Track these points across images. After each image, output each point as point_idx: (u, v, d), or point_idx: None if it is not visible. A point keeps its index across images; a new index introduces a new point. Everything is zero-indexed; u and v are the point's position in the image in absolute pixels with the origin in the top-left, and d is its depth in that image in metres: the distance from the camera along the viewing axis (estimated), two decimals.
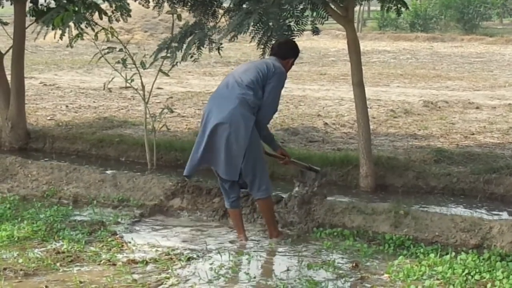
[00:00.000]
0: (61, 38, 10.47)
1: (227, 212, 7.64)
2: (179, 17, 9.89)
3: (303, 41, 30.62)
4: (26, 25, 11.71)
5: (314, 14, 8.84)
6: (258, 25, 7.86)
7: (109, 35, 10.10)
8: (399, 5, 9.59)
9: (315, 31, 8.94)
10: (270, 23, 7.66)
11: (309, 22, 8.74)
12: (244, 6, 8.23)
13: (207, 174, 9.01)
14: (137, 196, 8.43)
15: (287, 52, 7.40)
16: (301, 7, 8.46)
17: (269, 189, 7.19)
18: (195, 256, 6.56)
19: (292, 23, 8.33)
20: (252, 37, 8.12)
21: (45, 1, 11.74)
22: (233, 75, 7.24)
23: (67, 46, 10.48)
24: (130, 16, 11.28)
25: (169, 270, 6.18)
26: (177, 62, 9.46)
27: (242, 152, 6.89)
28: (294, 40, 7.84)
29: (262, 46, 8.17)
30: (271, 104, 7.15)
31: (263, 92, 7.05)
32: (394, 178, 9.43)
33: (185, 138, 11.45)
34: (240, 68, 7.39)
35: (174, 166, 10.42)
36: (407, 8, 9.98)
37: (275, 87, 7.12)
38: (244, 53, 28.40)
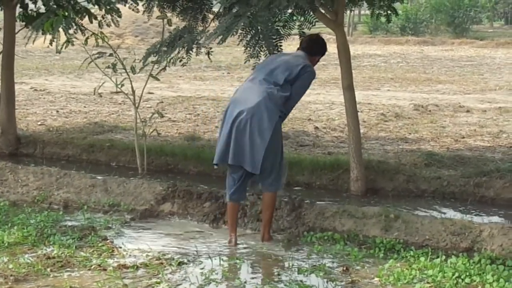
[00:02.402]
0: (50, 44, 10.46)
1: (218, 217, 7.67)
2: (169, 22, 9.89)
3: (294, 45, 30.63)
4: (16, 30, 11.69)
5: (302, 18, 8.88)
6: (246, 28, 7.87)
7: (99, 40, 10.09)
8: (389, 12, 9.66)
9: (302, 36, 8.98)
10: (259, 27, 7.66)
11: (296, 27, 8.78)
12: (234, 10, 8.23)
13: (197, 179, 9.04)
14: (128, 201, 8.42)
15: (317, 50, 7.61)
16: (290, 11, 8.48)
17: (280, 185, 7.30)
18: (185, 260, 6.55)
19: (279, 27, 8.35)
20: (240, 40, 8.12)
21: (35, 6, 11.73)
22: (261, 71, 7.28)
23: (57, 52, 10.47)
24: (120, 17, 11.25)
25: (160, 275, 6.17)
26: (165, 66, 9.47)
27: (265, 145, 6.94)
28: (323, 37, 7.89)
29: (250, 50, 8.17)
30: (296, 98, 7.37)
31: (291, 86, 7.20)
32: (384, 181, 9.44)
33: (176, 142, 11.46)
34: (269, 65, 7.34)
35: (164, 171, 10.43)
36: (396, 14, 10.05)
37: (303, 84, 7.33)
38: (235, 57, 28.37)
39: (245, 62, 8.60)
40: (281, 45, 8.20)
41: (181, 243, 7.24)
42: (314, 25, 8.86)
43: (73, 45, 10.21)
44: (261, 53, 8.29)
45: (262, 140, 6.94)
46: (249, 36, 7.93)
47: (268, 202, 7.25)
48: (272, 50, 8.01)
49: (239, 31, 7.93)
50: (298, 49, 7.63)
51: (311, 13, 8.78)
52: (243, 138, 6.97)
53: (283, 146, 7.40)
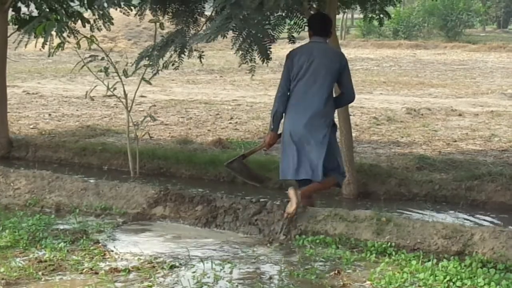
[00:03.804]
0: (42, 47, 10.45)
1: (210, 220, 7.70)
2: (162, 26, 9.89)
3: (287, 49, 30.66)
4: (9, 34, 11.68)
5: (292, 22, 8.89)
6: (237, 30, 7.85)
7: (91, 44, 10.09)
8: (381, 15, 9.71)
9: (291, 40, 9.01)
10: (250, 29, 7.64)
11: (285, 30, 8.79)
12: (225, 12, 8.22)
13: (189, 182, 9.02)
14: (120, 205, 8.40)
15: (330, 28, 7.87)
16: (283, 14, 8.49)
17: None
18: (177, 264, 6.54)
19: (269, 30, 8.36)
20: (233, 44, 8.11)
21: (27, 9, 11.72)
22: (307, 82, 7.58)
23: (49, 56, 10.47)
24: (112, 24, 11.29)
25: (152, 278, 6.16)
26: (158, 70, 9.46)
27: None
28: (322, 14, 8.17)
29: (241, 52, 8.17)
30: (351, 89, 7.84)
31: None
32: (376, 185, 9.46)
33: (168, 146, 11.46)
34: (312, 73, 7.60)
35: (157, 174, 10.43)
36: (389, 18, 10.10)
37: (348, 76, 7.79)
38: (228, 61, 28.39)
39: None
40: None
41: (173, 246, 7.23)
42: (304, 29, 8.87)
43: (63, 49, 10.19)
44: (255, 55, 8.30)
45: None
46: (240, 39, 7.91)
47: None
48: (264, 54, 8.01)
49: (231, 34, 7.92)
50: (312, 34, 7.77)
51: (302, 16, 8.81)
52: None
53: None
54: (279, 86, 7.74)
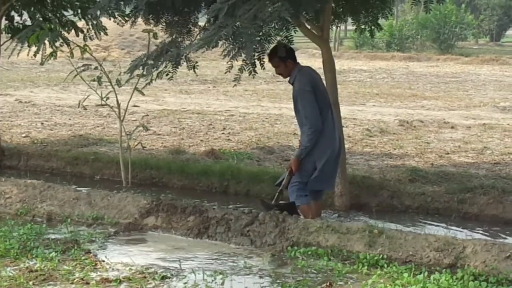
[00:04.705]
0: (34, 55, 10.43)
1: (202, 230, 7.68)
2: (155, 36, 9.88)
3: None
4: (2, 42, 11.66)
5: (283, 34, 8.87)
6: (229, 40, 7.82)
7: (84, 53, 10.08)
8: (372, 27, 9.74)
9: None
10: (241, 39, 7.62)
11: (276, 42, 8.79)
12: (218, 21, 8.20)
13: (182, 192, 8.98)
14: (112, 214, 8.38)
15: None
16: (276, 26, 8.46)
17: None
18: (169, 274, 6.52)
19: (263, 41, 8.34)
20: (224, 55, 8.09)
21: (21, 18, 11.70)
22: (327, 104, 8.22)
23: (41, 64, 10.45)
24: (106, 34, 11.28)
25: None
26: (151, 80, 9.43)
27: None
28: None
29: (231, 62, 8.16)
30: None
31: None
32: (369, 197, 9.46)
33: (160, 156, 11.43)
34: (325, 96, 8.28)
35: (149, 184, 10.41)
36: (380, 29, 10.14)
37: None
38: (221, 71, 28.32)
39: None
40: (263, 59, 8.25)
41: (165, 257, 7.21)
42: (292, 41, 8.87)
43: (55, 58, 10.16)
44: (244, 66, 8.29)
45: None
46: (231, 47, 7.87)
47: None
48: (252, 65, 8.01)
49: (223, 42, 7.89)
50: (291, 64, 8.27)
51: (296, 28, 8.81)
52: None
53: None
54: (315, 120, 8.05)
